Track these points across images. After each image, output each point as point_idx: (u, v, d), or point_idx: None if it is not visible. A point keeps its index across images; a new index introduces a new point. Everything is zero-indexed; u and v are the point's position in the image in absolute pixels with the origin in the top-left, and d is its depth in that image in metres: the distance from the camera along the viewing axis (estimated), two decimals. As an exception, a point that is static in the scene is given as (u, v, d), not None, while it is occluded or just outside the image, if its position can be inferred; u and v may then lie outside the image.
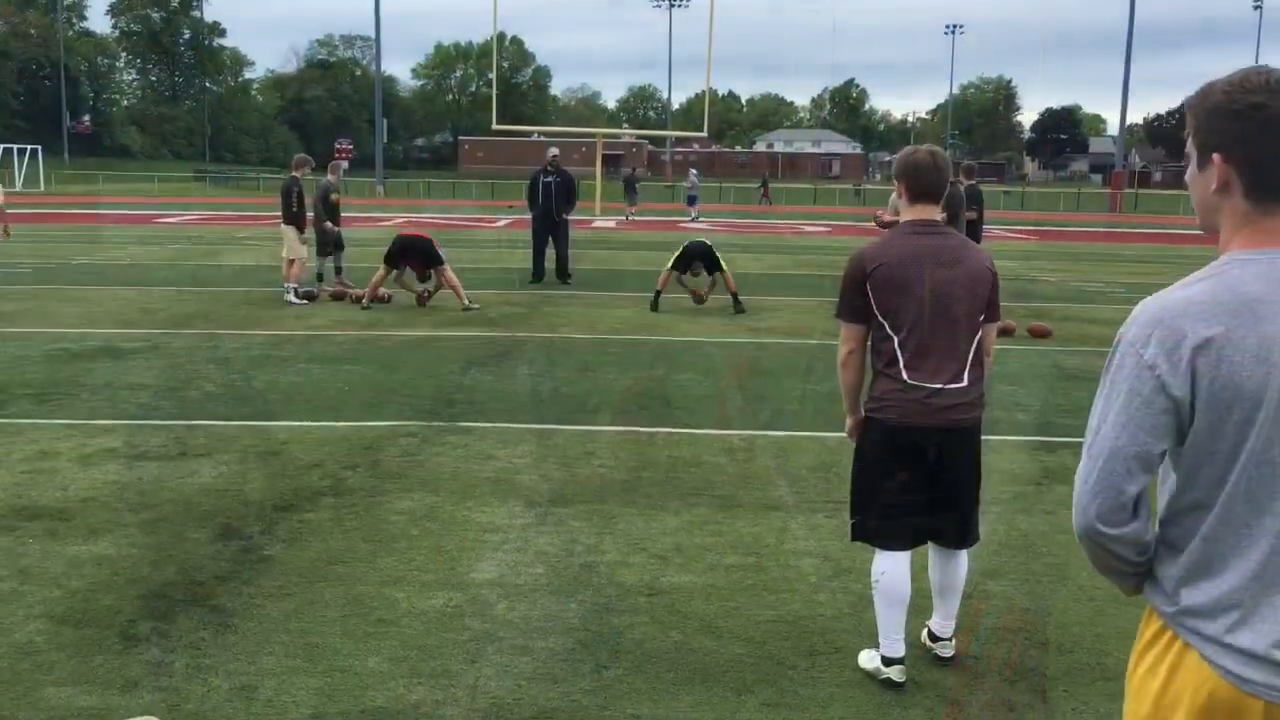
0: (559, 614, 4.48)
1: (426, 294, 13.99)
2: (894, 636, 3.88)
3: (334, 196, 15.20)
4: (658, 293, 13.73)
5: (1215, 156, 1.79)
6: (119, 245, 22.71)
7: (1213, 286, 1.75)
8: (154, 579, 4.76)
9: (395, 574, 4.87)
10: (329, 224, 15.02)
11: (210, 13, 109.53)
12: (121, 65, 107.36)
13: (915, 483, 3.78)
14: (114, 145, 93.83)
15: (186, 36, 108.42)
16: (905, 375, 3.71)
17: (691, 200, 40.68)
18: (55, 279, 16.22)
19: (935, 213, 3.84)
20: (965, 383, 3.73)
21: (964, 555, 4.04)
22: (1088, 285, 18.01)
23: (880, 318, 3.75)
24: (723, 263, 13.60)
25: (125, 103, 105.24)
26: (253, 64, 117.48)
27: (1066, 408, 8.57)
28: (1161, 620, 1.86)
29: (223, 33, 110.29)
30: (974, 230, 13.64)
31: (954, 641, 4.14)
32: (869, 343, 3.83)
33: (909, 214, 3.84)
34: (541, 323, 12.66)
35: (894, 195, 4.22)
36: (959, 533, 3.94)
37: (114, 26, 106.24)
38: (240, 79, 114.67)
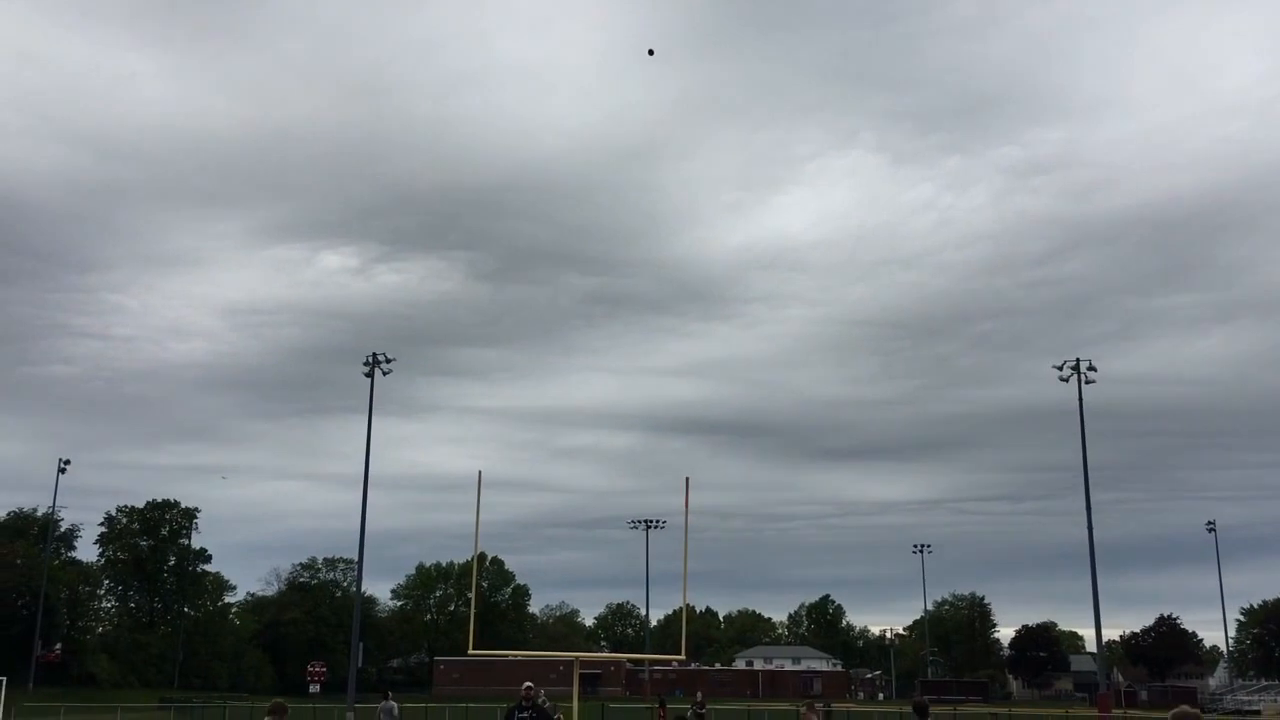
0: None
1: None
2: None
3: None
4: None
5: None
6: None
7: None
8: None
9: None
10: None
11: (199, 539, 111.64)
12: (103, 593, 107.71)
13: None
14: (81, 673, 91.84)
15: (172, 563, 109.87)
16: None
17: None
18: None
19: None
20: None
21: None
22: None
23: None
24: None
25: (100, 629, 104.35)
26: (234, 588, 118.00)
27: None
28: None
29: (208, 558, 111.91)
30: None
31: None
32: None
33: None
34: None
35: None
36: None
37: (101, 554, 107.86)
38: (220, 603, 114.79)
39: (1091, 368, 64.54)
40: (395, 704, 28.36)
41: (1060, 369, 65.06)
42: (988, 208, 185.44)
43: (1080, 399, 63.49)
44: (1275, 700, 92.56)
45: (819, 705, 15.41)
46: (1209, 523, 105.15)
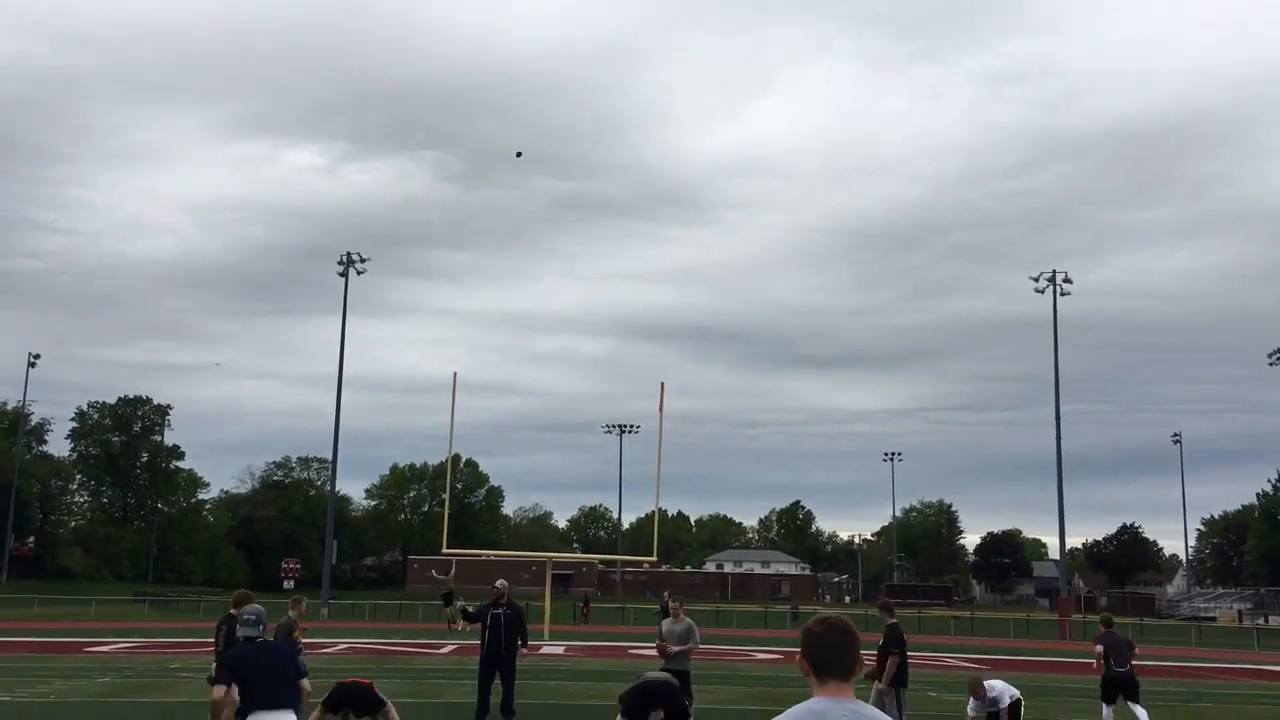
0: None
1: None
2: None
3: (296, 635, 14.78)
4: None
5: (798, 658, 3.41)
6: (45, 679, 21.76)
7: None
8: None
9: None
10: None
11: (171, 436, 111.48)
12: (75, 487, 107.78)
13: None
14: (55, 566, 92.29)
15: (144, 459, 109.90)
16: None
17: None
18: (-29, 720, 15.36)
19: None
20: None
21: None
22: (1046, 722, 17.61)
23: None
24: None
25: (73, 524, 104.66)
26: (207, 485, 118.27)
27: None
28: None
29: (181, 455, 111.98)
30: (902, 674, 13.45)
31: None
32: None
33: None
34: (484, 770, 12.06)
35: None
36: None
37: (73, 449, 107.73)
38: (194, 500, 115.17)
39: (1068, 280, 64.65)
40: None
41: (1036, 280, 65.13)
42: (961, 118, 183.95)
43: (1055, 311, 63.71)
44: (1231, 607, 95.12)
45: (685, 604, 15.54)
46: (1174, 435, 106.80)
